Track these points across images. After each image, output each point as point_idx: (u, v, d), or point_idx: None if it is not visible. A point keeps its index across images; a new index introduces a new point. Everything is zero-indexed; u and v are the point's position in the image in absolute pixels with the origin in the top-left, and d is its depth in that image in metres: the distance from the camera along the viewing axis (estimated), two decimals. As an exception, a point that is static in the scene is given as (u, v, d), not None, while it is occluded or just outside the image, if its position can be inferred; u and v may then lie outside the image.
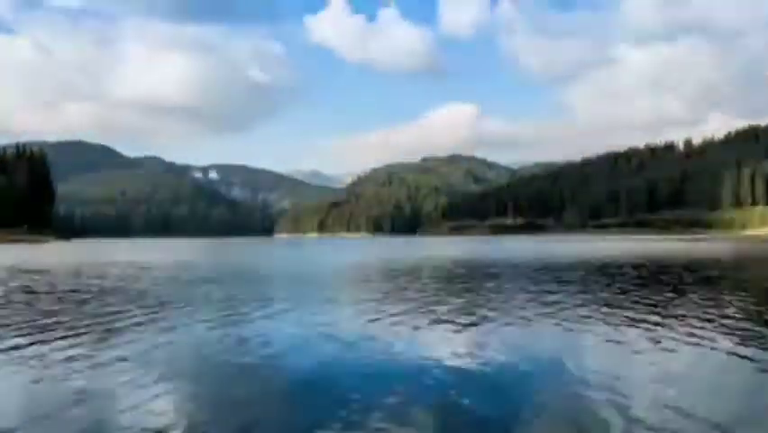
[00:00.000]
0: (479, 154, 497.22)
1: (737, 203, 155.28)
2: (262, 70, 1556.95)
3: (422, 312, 8.62)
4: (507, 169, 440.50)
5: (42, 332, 7.10)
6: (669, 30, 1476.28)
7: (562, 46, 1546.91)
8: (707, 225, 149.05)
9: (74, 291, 11.97)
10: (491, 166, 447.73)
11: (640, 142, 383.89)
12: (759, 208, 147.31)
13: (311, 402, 4.33)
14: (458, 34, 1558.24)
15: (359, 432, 3.67)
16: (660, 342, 6.28)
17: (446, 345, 6.25)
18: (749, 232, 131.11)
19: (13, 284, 13.92)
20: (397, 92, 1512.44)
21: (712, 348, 5.94)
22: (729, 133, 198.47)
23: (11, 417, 4.05)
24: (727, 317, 7.89)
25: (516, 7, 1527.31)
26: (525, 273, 16.93)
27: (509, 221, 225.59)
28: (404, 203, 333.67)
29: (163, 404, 4.26)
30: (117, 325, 7.68)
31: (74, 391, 4.59)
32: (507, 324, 7.59)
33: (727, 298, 9.99)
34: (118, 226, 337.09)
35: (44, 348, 6.16)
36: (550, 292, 11.07)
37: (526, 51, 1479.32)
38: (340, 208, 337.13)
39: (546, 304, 9.37)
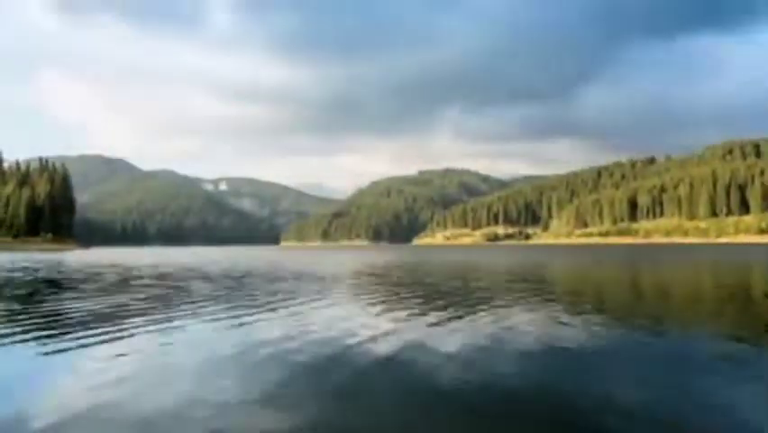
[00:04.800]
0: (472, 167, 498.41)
1: (713, 213, 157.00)
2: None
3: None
4: (498, 181, 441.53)
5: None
6: None
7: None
8: (684, 234, 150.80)
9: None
10: (484, 178, 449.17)
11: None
12: (733, 218, 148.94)
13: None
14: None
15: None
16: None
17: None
18: (723, 240, 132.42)
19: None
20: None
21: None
22: (707, 148, 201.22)
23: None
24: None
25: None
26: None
27: (500, 230, 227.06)
28: (402, 213, 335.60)
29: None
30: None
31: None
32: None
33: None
34: (133, 235, 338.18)
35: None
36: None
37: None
38: (342, 218, 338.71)
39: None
